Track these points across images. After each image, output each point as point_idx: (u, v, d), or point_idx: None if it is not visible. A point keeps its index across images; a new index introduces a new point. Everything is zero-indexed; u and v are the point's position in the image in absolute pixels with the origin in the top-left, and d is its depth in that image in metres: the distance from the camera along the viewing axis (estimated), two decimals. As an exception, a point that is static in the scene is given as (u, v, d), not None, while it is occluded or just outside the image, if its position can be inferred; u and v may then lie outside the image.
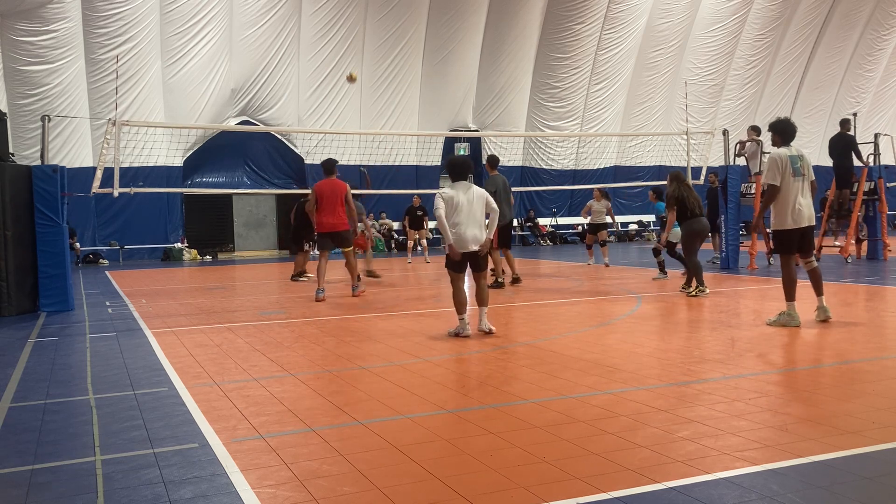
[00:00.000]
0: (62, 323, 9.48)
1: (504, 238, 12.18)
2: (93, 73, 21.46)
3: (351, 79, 16.76)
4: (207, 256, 23.87)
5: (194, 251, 23.32)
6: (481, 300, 7.77)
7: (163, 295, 12.64)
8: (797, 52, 31.02)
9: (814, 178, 7.82)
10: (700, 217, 10.64)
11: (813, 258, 7.96)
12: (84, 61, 21.34)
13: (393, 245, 25.49)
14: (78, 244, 21.34)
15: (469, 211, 7.64)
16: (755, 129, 14.99)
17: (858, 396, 4.77)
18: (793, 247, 7.70)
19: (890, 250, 15.89)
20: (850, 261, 15.03)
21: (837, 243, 15.87)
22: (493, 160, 12.72)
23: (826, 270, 13.52)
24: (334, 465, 3.76)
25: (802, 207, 7.58)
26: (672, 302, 9.88)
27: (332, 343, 7.41)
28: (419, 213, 19.68)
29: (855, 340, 6.84)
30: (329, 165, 11.57)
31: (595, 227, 16.48)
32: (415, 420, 4.53)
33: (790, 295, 7.63)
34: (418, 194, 20.44)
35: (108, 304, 11.44)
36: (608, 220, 16.30)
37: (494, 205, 7.81)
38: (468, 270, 7.82)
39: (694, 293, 10.22)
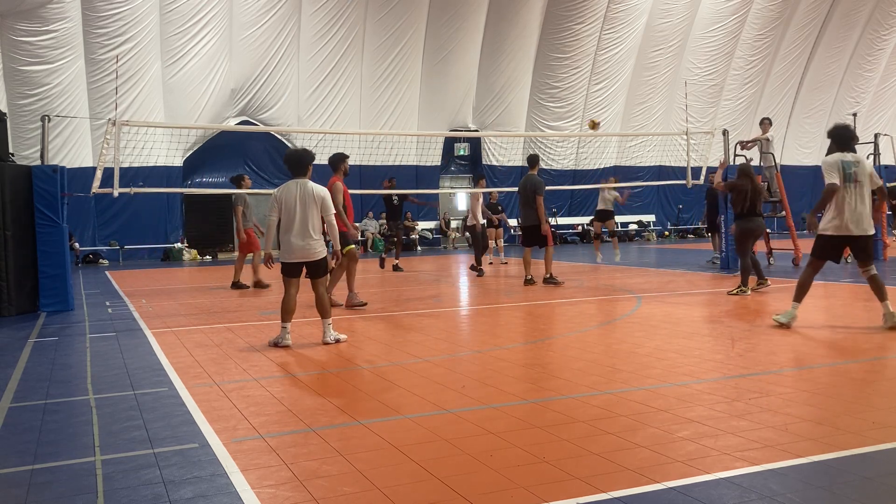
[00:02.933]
0: (62, 323, 9.48)
1: (529, 238, 12.18)
2: (93, 73, 21.46)
3: (594, 125, 15.75)
4: (207, 256, 23.87)
5: (194, 251, 23.32)
6: (322, 311, 7.21)
7: (163, 295, 12.64)
8: (797, 52, 31.03)
9: (881, 183, 7.57)
10: (756, 217, 10.48)
11: (871, 266, 7.56)
12: (84, 61, 21.34)
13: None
14: (77, 244, 21.33)
15: (301, 215, 6.86)
16: (768, 122, 15.02)
17: (858, 396, 4.77)
18: (826, 253, 7.53)
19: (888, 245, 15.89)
20: (849, 261, 15.02)
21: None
22: (531, 159, 12.47)
23: (826, 270, 13.51)
24: (334, 465, 3.76)
25: (852, 215, 7.30)
26: (672, 302, 9.88)
27: (332, 343, 7.40)
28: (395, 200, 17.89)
29: (855, 340, 6.84)
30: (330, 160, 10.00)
31: (603, 215, 16.43)
32: (415, 420, 4.53)
33: (798, 296, 7.59)
34: (410, 194, 19.28)
35: (108, 304, 11.44)
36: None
37: (332, 207, 7.13)
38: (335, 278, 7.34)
39: (735, 292, 10.24)
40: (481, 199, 15.96)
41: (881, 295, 7.48)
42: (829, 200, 7.38)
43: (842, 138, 7.61)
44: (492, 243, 17.38)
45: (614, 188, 16.38)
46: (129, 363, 6.62)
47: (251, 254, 13.51)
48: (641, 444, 3.90)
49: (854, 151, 7.58)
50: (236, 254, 14.46)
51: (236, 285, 13.15)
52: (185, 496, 3.40)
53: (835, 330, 7.44)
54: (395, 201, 16.60)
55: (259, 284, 13.17)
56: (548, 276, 12.07)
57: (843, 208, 7.32)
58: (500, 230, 17.91)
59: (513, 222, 22.64)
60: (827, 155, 7.65)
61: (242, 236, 13.50)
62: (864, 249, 7.50)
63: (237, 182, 13.94)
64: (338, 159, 9.96)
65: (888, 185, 16.89)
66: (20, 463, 3.97)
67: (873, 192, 7.63)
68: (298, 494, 3.38)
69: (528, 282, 12.24)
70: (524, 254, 12.49)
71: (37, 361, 6.85)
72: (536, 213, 11.82)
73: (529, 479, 3.45)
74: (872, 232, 7.46)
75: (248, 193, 13.87)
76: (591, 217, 17.57)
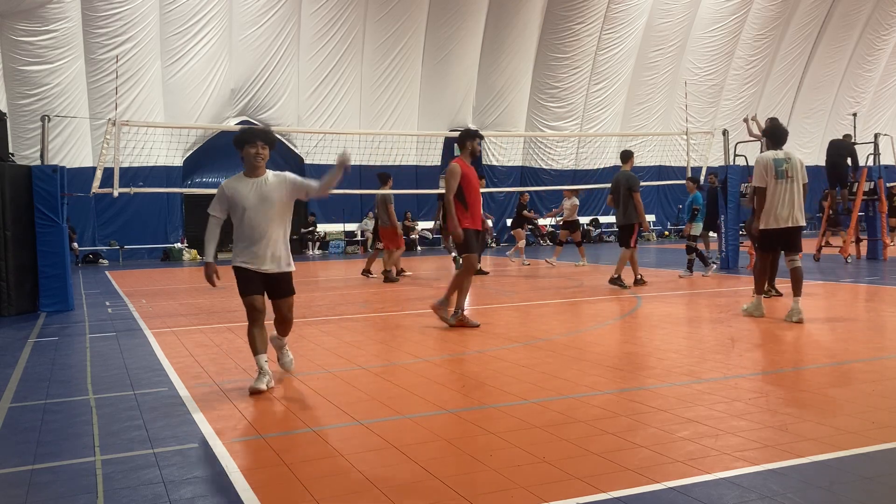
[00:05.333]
0: (62, 323, 9.48)
1: (625, 237, 11.78)
2: (93, 73, 21.47)
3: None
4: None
5: (194, 251, 23.32)
6: (281, 328, 5.89)
7: (163, 295, 12.64)
8: (797, 52, 31.03)
9: (806, 180, 8.06)
10: None
11: (797, 258, 8.07)
12: (84, 61, 21.35)
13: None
14: (76, 244, 21.33)
15: (262, 214, 5.36)
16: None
17: (858, 396, 4.77)
18: (769, 246, 8.18)
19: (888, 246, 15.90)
20: (849, 261, 15.04)
21: (827, 242, 15.91)
22: (625, 155, 12.03)
23: (826, 270, 13.55)
24: (334, 465, 3.76)
25: (785, 209, 7.88)
26: (672, 302, 9.88)
27: (332, 343, 7.40)
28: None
29: (855, 340, 6.84)
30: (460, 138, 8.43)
31: (569, 225, 16.63)
32: (415, 420, 4.53)
33: (759, 288, 8.22)
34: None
35: (107, 304, 11.43)
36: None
37: (309, 186, 5.56)
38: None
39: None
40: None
41: (797, 289, 7.93)
42: (762, 204, 7.97)
43: (777, 136, 8.18)
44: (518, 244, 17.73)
45: (576, 191, 16.57)
46: (129, 363, 6.62)
47: (390, 250, 14.16)
48: (641, 444, 3.90)
49: (781, 148, 8.14)
50: (380, 248, 15.00)
51: (389, 278, 13.93)
52: (185, 496, 3.40)
53: (835, 330, 7.44)
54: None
55: (390, 278, 13.96)
56: (615, 276, 11.46)
57: (777, 203, 7.91)
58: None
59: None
60: (762, 152, 8.26)
61: (399, 231, 14.34)
62: (795, 240, 8.08)
63: (384, 180, 14.49)
64: (465, 136, 8.32)
65: (888, 185, 16.93)
66: (20, 463, 3.96)
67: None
68: (298, 494, 3.38)
69: (638, 282, 11.70)
70: (630, 255, 11.84)
71: (37, 361, 6.85)
72: (634, 211, 11.47)
73: (529, 479, 3.45)
74: (804, 224, 8.06)
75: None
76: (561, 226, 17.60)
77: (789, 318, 7.81)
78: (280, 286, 5.59)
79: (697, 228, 13.16)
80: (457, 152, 8.48)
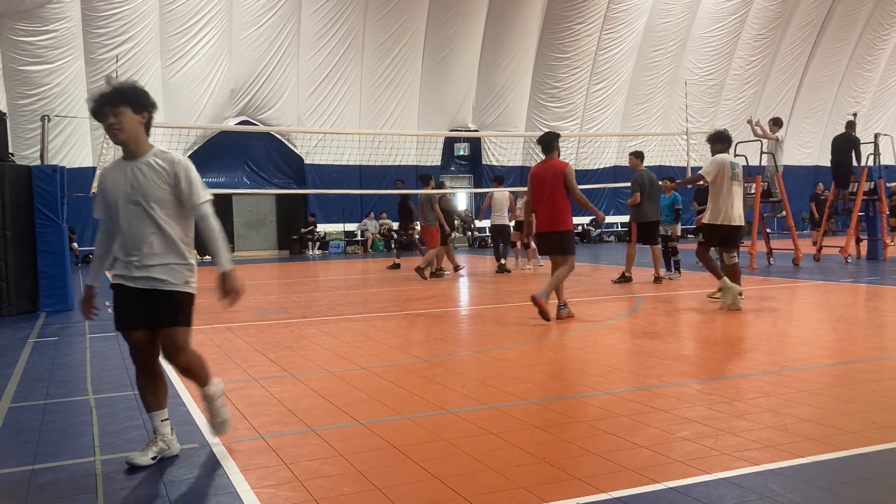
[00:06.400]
0: (62, 323, 9.48)
1: (646, 235, 12.12)
2: (93, 73, 21.45)
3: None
4: (207, 256, 23.84)
5: (194, 251, 23.27)
6: (183, 375, 4.14)
7: (163, 295, 12.62)
8: (797, 51, 31.03)
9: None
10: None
11: (735, 255, 9.00)
12: (84, 61, 21.34)
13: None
14: (76, 244, 21.32)
15: (134, 211, 3.82)
16: (776, 123, 15.01)
17: (858, 396, 4.77)
18: (715, 240, 8.92)
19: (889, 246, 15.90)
20: (849, 261, 15.04)
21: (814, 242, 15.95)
22: (640, 154, 12.57)
23: (826, 270, 13.55)
24: (334, 465, 3.76)
25: (734, 209, 8.72)
26: (672, 302, 9.88)
27: (332, 343, 7.41)
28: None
29: (855, 340, 6.84)
30: (546, 141, 8.88)
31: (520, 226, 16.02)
32: (415, 420, 4.53)
33: (720, 274, 8.80)
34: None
35: (107, 304, 11.39)
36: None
37: (199, 196, 3.88)
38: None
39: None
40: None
41: (736, 283, 8.72)
42: (694, 182, 9.42)
43: (727, 141, 9.06)
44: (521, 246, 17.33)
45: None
46: (129, 363, 6.59)
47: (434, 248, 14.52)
48: (641, 444, 3.90)
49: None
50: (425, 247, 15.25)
51: (436, 273, 14.49)
52: (185, 496, 3.40)
53: (834, 330, 7.44)
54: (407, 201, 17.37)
55: (438, 273, 14.55)
56: (658, 275, 12.14)
57: (726, 202, 8.70)
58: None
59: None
60: (714, 154, 8.98)
61: (447, 229, 14.68)
62: (735, 238, 8.97)
63: (426, 181, 15.19)
64: (555, 137, 8.93)
65: (888, 184, 16.93)
66: (20, 463, 3.96)
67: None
68: (298, 494, 3.38)
69: (657, 279, 12.15)
70: (652, 252, 12.33)
71: (37, 361, 6.85)
72: (647, 213, 12.04)
73: (529, 479, 3.45)
74: (743, 223, 8.96)
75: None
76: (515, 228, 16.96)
77: (720, 302, 8.73)
78: (158, 309, 3.90)
79: (678, 229, 13.17)
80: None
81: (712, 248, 9.44)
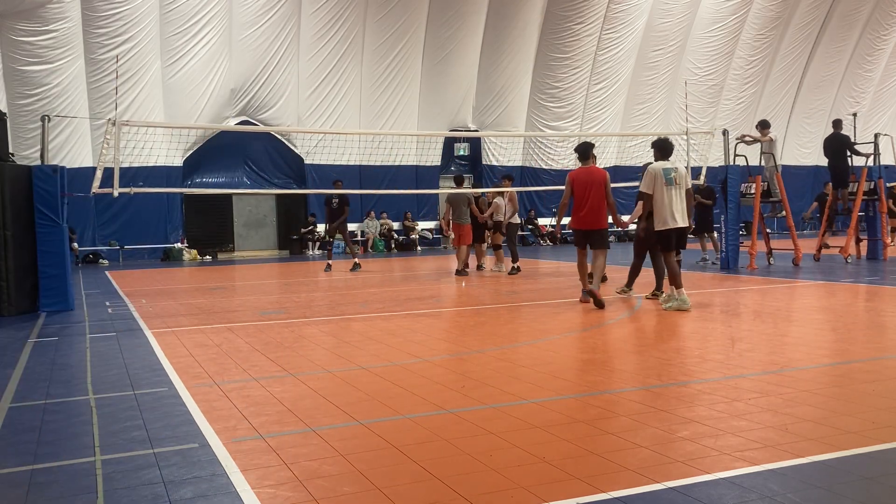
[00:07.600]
0: (62, 323, 9.48)
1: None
2: (93, 73, 21.45)
3: None
4: (207, 256, 23.86)
5: (194, 251, 23.31)
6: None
7: (163, 295, 12.64)
8: (797, 52, 31.01)
9: (689, 186, 9.43)
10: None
11: (680, 255, 9.63)
12: (84, 61, 21.33)
13: (393, 245, 25.53)
14: (76, 244, 21.33)
15: None
16: (763, 125, 15.01)
17: (858, 396, 4.77)
18: (671, 243, 9.19)
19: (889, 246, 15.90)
20: (849, 261, 15.04)
21: (825, 244, 15.90)
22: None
23: (826, 270, 13.55)
24: (334, 465, 3.76)
25: (676, 212, 9.12)
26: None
27: (332, 343, 7.41)
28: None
29: (854, 340, 6.84)
30: (583, 149, 9.94)
31: (497, 226, 15.09)
32: (415, 420, 4.53)
33: (679, 283, 9.02)
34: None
35: (108, 304, 11.43)
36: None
37: None
38: None
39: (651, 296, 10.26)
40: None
41: (678, 282, 9.06)
42: (646, 208, 9.37)
43: (664, 149, 9.57)
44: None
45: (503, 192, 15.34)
46: (129, 363, 6.62)
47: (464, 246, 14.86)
48: (641, 444, 3.90)
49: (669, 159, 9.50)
50: (459, 245, 15.34)
51: (460, 272, 14.65)
52: (185, 496, 3.41)
53: (834, 330, 7.44)
54: (335, 204, 16.63)
55: (462, 272, 14.68)
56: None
57: (666, 207, 9.13)
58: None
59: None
60: (654, 162, 9.51)
61: (489, 223, 14.97)
62: (681, 238, 9.36)
63: (459, 181, 16.16)
64: (591, 147, 10.03)
65: (888, 184, 16.92)
66: (20, 463, 3.97)
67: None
68: (298, 494, 3.38)
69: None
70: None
71: (37, 361, 6.85)
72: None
73: (529, 479, 3.45)
74: (687, 224, 9.31)
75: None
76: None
77: (665, 304, 9.02)
78: None
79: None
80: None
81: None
